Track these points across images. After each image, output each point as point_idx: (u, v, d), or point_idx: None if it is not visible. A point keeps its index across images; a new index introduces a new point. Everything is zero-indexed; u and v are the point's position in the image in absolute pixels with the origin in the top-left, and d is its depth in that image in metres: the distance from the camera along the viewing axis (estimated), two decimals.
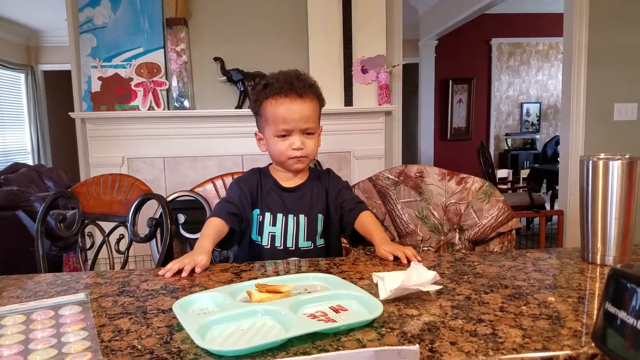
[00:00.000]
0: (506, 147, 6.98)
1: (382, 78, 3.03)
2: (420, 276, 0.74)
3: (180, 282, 0.84)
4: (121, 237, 1.34)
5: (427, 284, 0.74)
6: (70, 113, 2.88)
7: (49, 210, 1.38)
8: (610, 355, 0.43)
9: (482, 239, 1.42)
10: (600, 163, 0.89)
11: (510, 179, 5.84)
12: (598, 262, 0.90)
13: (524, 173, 5.85)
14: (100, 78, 2.85)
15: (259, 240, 1.17)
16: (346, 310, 0.67)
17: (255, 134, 1.24)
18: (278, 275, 0.85)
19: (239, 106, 2.94)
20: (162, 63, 2.87)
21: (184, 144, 2.94)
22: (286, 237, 1.16)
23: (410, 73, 6.08)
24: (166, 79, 2.90)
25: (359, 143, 3.15)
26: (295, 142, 1.14)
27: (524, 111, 7.06)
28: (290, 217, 1.17)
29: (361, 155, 3.16)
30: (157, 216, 1.32)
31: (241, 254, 1.23)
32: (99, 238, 1.38)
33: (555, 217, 3.65)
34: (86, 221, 1.38)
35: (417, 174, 1.48)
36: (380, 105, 3.07)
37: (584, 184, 0.92)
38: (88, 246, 1.40)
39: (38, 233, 1.36)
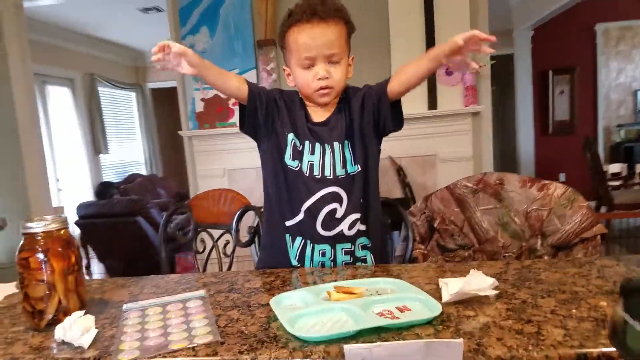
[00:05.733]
0: (619, 140, 6.40)
1: (467, 79, 3.02)
2: (479, 282, 0.83)
3: (275, 282, 1.01)
4: (227, 242, 1.56)
5: (487, 289, 0.83)
6: (179, 132, 3.29)
7: (168, 220, 1.65)
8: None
9: (565, 244, 1.42)
10: None
11: (625, 174, 5.36)
12: None
13: None
14: (202, 99, 3.22)
15: (295, 166, 1.15)
16: (410, 310, 0.79)
17: (284, 69, 1.21)
18: (354, 278, 0.99)
19: None
20: (255, 82, 3.16)
21: None
22: (324, 165, 1.14)
23: (505, 65, 5.85)
24: None
25: (444, 146, 3.14)
26: (319, 71, 1.10)
27: (639, 99, 6.43)
28: (327, 146, 1.15)
29: (447, 157, 3.15)
30: (255, 224, 1.52)
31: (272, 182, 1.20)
32: (209, 243, 1.62)
33: None
34: (199, 229, 1.63)
35: (497, 182, 1.51)
36: (466, 106, 3.06)
37: None
38: (201, 250, 1.64)
39: (161, 239, 1.64)
